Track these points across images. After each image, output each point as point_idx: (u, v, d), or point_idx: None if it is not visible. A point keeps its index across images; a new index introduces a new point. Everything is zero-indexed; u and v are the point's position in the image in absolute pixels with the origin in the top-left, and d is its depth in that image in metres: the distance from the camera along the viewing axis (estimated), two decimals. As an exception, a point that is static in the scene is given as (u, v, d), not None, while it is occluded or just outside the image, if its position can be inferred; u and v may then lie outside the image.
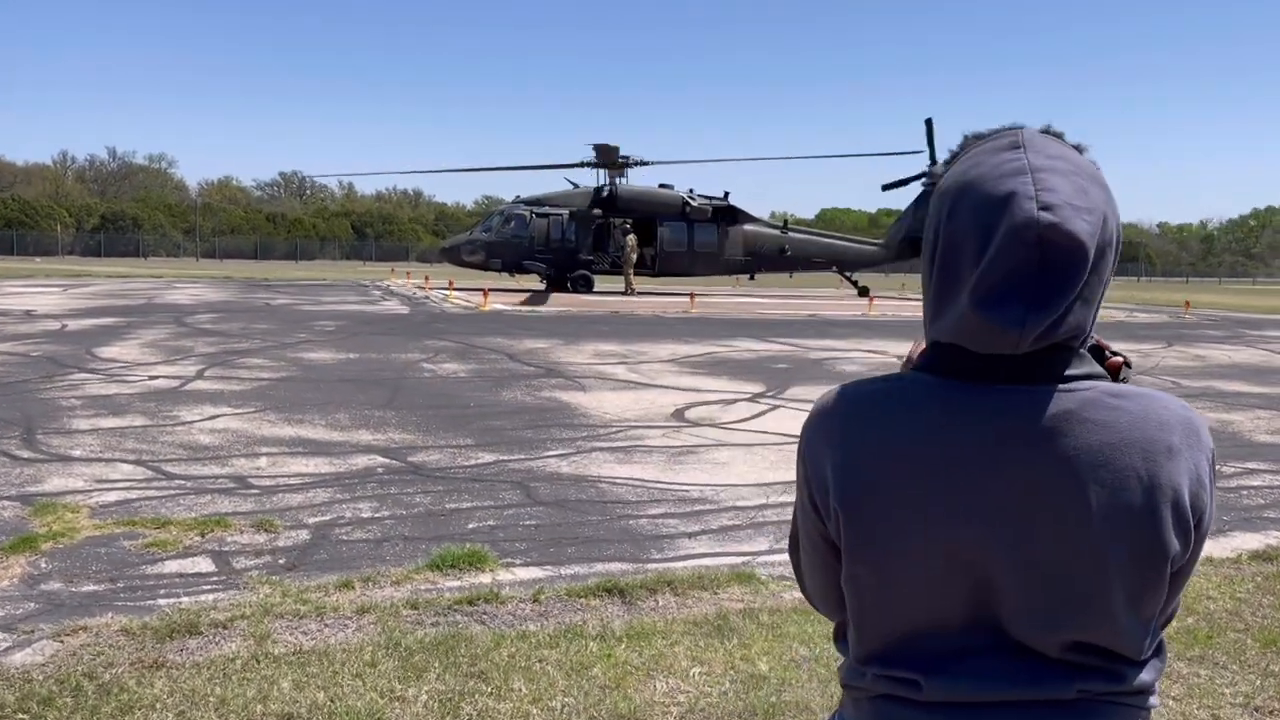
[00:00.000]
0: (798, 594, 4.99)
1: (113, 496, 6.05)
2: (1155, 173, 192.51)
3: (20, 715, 3.29)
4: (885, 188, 35.55)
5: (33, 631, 4.01)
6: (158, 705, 3.37)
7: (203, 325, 17.41)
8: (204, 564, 4.92)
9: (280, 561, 4.98)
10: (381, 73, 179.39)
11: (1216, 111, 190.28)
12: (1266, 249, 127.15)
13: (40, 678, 3.56)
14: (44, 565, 4.83)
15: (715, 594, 4.70)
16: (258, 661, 3.76)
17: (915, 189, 36.75)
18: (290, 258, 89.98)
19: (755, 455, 7.77)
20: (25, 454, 7.09)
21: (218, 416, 8.70)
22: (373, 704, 3.42)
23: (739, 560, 5.23)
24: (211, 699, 3.42)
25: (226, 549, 5.14)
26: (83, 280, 34.25)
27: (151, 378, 10.87)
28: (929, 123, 35.54)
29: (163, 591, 4.56)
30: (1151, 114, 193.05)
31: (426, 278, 37.25)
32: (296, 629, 4.13)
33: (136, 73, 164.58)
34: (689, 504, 6.32)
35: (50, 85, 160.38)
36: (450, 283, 32.36)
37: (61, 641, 3.94)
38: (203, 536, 5.31)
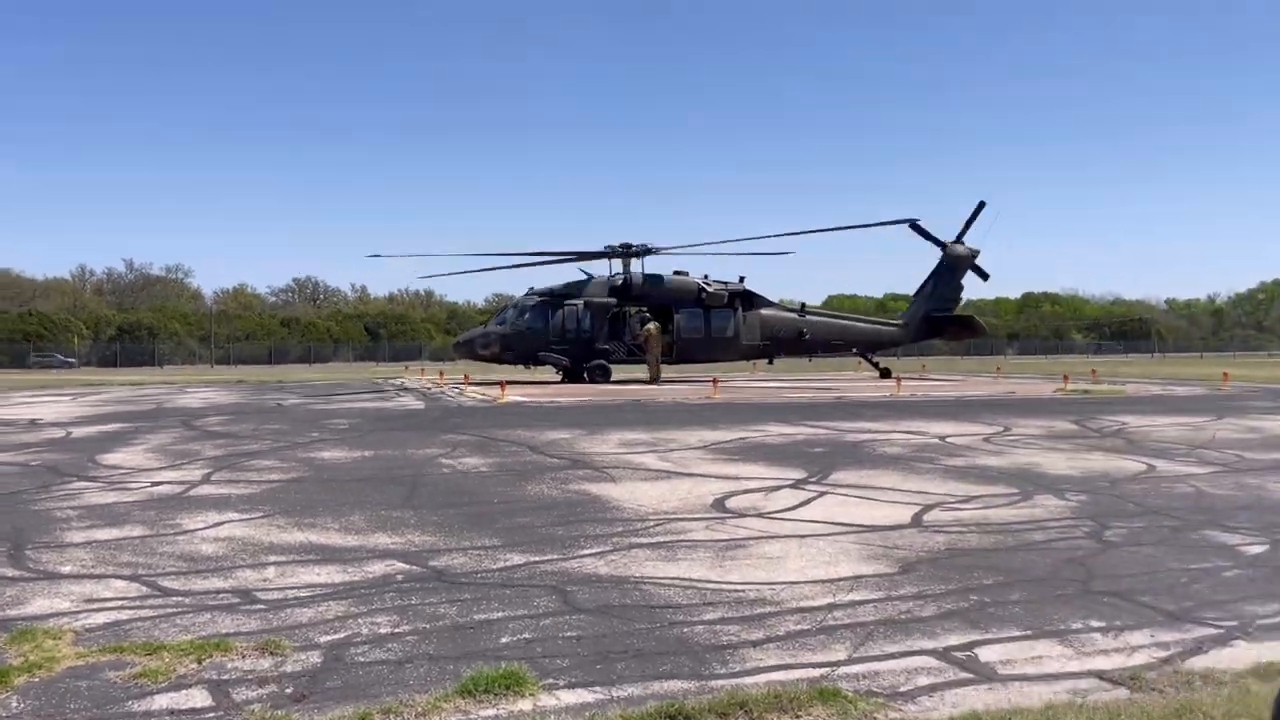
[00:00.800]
0: (895, 714, 4.30)
1: (101, 618, 5.37)
2: (1161, 248, 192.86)
3: None
4: (913, 226, 34.84)
5: (-10, 793, 3.32)
6: None
7: (212, 428, 16.84)
8: (199, 697, 4.23)
9: (287, 691, 4.28)
10: (389, 177, 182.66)
11: (1221, 185, 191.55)
12: (1277, 321, 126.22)
13: None
14: (15, 704, 4.15)
15: (797, 718, 3.99)
16: (257, 827, 3.06)
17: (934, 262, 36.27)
18: (304, 361, 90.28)
19: (810, 548, 7.06)
20: (10, 572, 6.43)
21: (223, 523, 8.04)
22: None
23: (816, 673, 4.50)
24: None
25: (226, 677, 4.45)
26: (94, 388, 33.93)
27: (155, 484, 10.24)
28: (981, 205, 35.02)
29: (149, 734, 3.87)
30: (1155, 189, 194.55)
31: (441, 373, 36.88)
32: (305, 779, 3.43)
33: (154, 187, 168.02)
34: (746, 606, 5.60)
35: (69, 201, 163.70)
36: (465, 377, 31.91)
37: (23, 805, 3.25)
38: (199, 663, 4.62)
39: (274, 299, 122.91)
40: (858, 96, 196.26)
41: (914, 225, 34.86)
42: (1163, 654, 4.76)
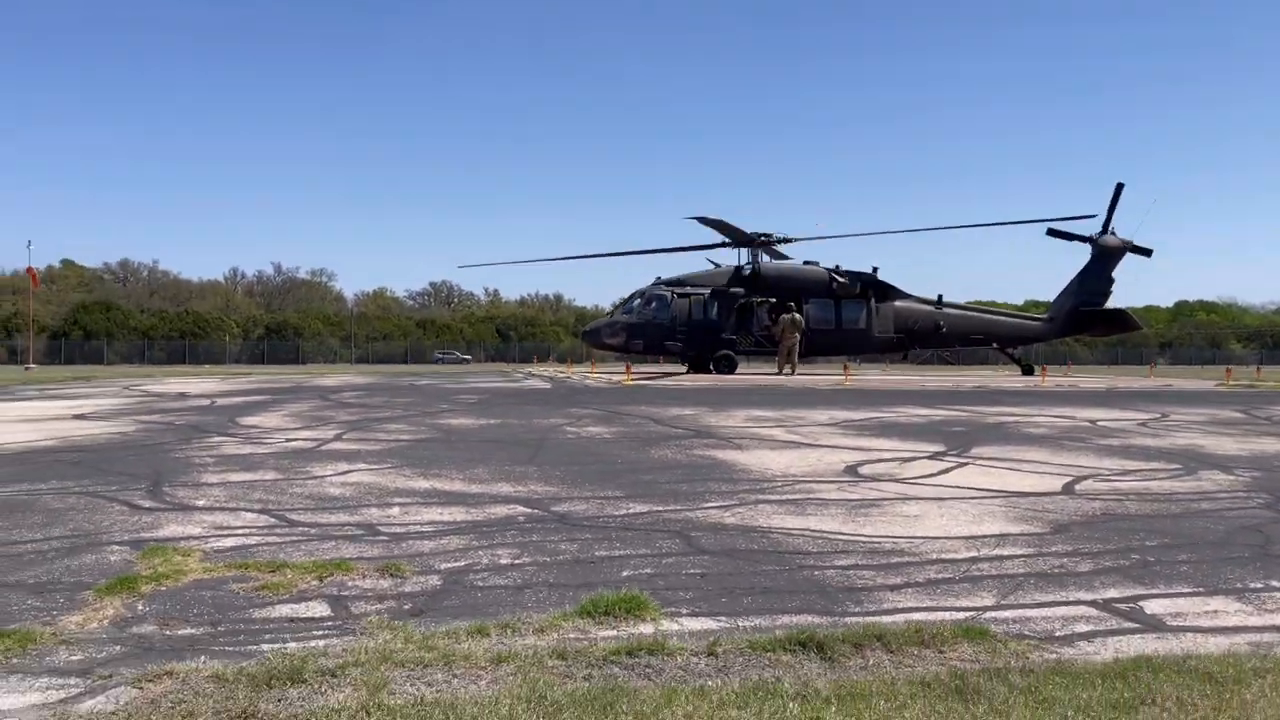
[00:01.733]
0: (1050, 655, 3.90)
1: (229, 542, 5.43)
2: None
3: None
4: (1050, 233, 33.28)
5: (110, 676, 3.30)
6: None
7: (347, 400, 17.32)
8: (319, 608, 4.17)
9: (405, 607, 4.19)
10: (522, 182, 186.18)
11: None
12: None
13: (104, 729, 2.81)
14: (140, 608, 4.16)
15: (940, 652, 3.64)
16: (368, 713, 2.94)
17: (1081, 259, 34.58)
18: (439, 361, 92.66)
19: (951, 508, 6.63)
20: (147, 504, 6.61)
21: (351, 471, 8.13)
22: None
23: (961, 616, 4.13)
24: (301, 756, 2.59)
25: (346, 593, 4.39)
26: (241, 376, 35.55)
27: (288, 440, 10.50)
28: (1120, 187, 33.24)
29: (268, 636, 3.81)
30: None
31: (569, 362, 37.21)
32: (419, 679, 3.29)
33: (302, 193, 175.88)
34: (882, 555, 5.25)
35: (224, 206, 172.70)
36: (592, 363, 32.11)
37: (141, 688, 3.20)
38: (320, 581, 4.58)
39: (411, 302, 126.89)
40: (1016, 94, 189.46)
41: (1051, 231, 33.22)
42: (1361, 613, 4.22)
